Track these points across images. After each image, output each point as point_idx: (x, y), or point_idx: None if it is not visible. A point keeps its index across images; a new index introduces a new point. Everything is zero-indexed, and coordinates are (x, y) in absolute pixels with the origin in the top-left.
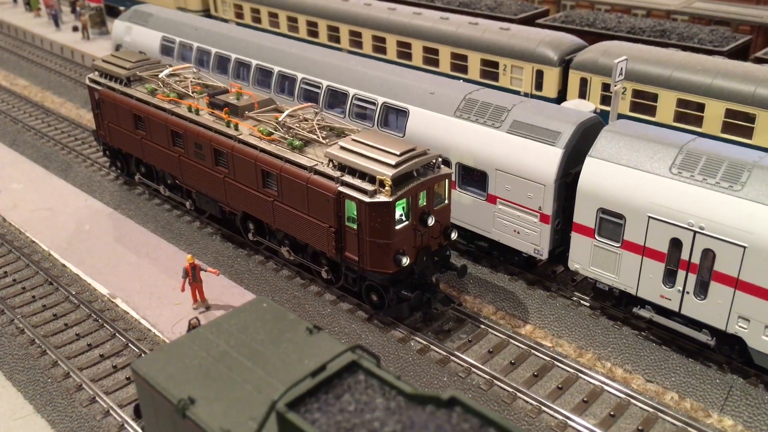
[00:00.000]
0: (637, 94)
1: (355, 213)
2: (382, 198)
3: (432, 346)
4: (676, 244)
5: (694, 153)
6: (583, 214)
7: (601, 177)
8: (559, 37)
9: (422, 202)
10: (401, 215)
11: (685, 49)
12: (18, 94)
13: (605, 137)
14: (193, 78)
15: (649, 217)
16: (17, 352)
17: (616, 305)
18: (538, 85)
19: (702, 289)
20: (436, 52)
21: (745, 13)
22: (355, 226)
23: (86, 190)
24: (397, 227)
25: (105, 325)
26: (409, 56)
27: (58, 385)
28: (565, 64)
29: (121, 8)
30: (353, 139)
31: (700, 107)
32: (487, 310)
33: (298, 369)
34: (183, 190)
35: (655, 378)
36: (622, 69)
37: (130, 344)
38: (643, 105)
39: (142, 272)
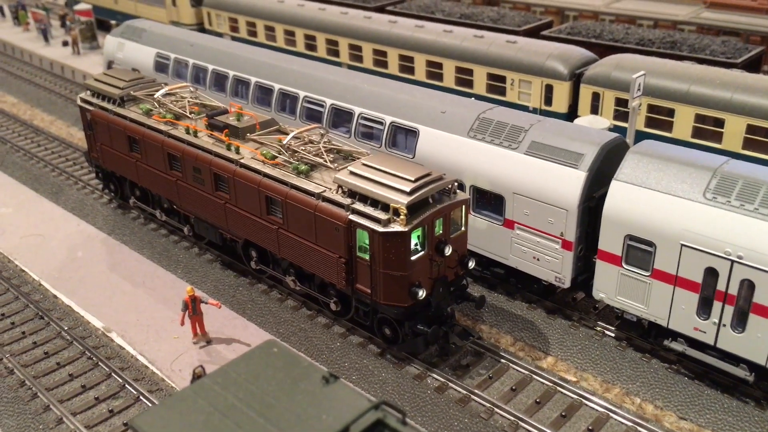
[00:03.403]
0: (652, 109)
1: (368, 243)
2: (396, 227)
3: (450, 384)
4: (711, 273)
5: (730, 176)
6: (609, 240)
7: (629, 202)
8: (569, 49)
9: (438, 230)
10: (417, 245)
11: (698, 61)
12: (6, 112)
13: (632, 159)
14: (191, 97)
15: (682, 245)
16: (6, 395)
17: (644, 336)
18: (548, 100)
19: (740, 322)
20: (439, 66)
21: (756, 23)
22: (367, 257)
23: (78, 214)
24: (413, 258)
25: (100, 363)
26: (411, 70)
27: (49, 431)
28: (576, 78)
29: (112, 22)
30: (363, 164)
31: (719, 123)
32: (506, 341)
33: (316, 427)
34: (181, 215)
35: (689, 415)
36: (640, 84)
37: (126, 385)
38: (659, 120)
39: (138, 303)
